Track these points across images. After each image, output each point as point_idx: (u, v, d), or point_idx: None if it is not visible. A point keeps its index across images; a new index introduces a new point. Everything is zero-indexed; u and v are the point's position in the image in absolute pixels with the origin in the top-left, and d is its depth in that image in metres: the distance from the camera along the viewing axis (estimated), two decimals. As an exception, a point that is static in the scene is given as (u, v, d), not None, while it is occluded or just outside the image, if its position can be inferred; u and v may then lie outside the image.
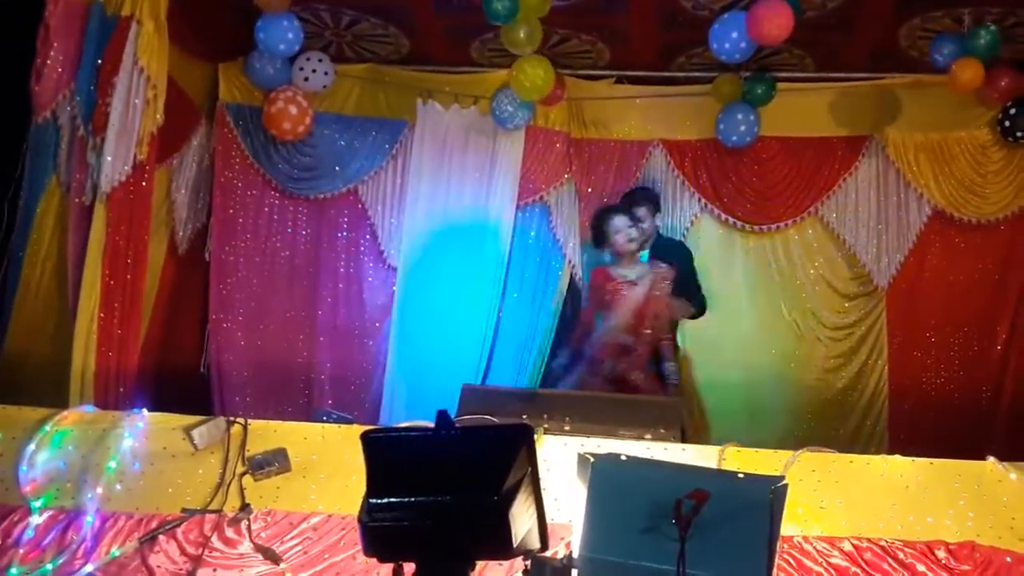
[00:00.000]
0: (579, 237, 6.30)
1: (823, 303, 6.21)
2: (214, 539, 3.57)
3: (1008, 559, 3.46)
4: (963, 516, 3.57)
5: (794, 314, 6.23)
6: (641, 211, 5.70)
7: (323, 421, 4.16)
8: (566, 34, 5.95)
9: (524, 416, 3.89)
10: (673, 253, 5.73)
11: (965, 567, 3.43)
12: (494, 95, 6.11)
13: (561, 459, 3.57)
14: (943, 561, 3.45)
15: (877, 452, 4.12)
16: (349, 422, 4.26)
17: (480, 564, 2.35)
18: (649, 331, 5.26)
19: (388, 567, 2.11)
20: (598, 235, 5.48)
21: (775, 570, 2.58)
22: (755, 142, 6.16)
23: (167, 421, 3.85)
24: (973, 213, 6.09)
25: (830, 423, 6.07)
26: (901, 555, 3.47)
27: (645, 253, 5.60)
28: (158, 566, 3.52)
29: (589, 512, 2.56)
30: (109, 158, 4.49)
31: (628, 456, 2.71)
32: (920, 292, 6.15)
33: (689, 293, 5.55)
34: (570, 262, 6.28)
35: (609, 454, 2.68)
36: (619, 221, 5.36)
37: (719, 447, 3.78)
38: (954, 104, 5.96)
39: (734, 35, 5.09)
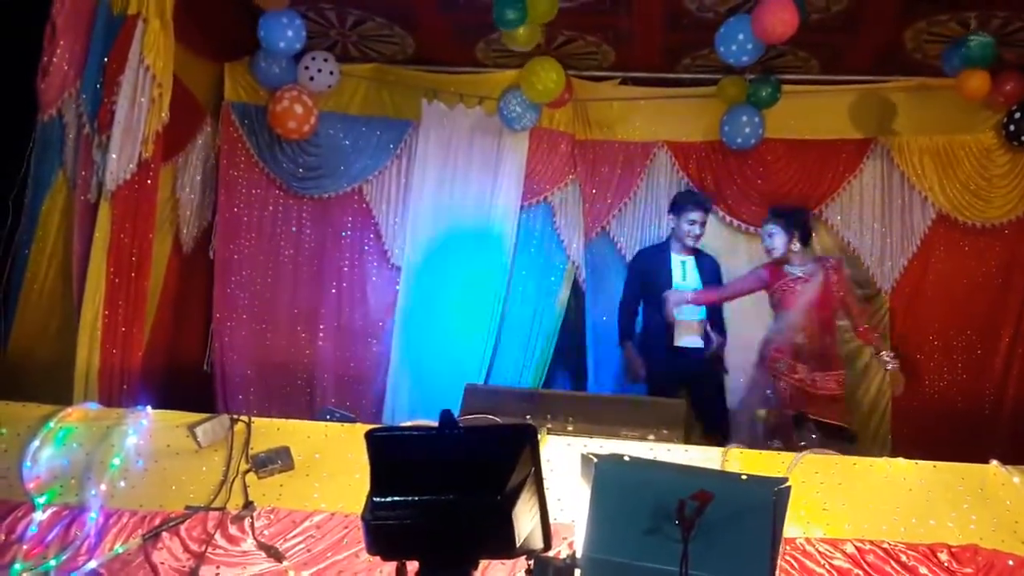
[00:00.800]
0: (583, 238, 6.31)
1: (827, 306, 6.19)
2: (217, 536, 3.58)
3: (1011, 563, 3.46)
4: (966, 519, 3.56)
5: (798, 317, 6.22)
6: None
7: (326, 419, 4.17)
8: (571, 35, 5.95)
9: (527, 416, 3.90)
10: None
11: (967, 570, 3.44)
12: (503, 96, 6.12)
13: (564, 459, 3.57)
14: (946, 564, 3.45)
15: (880, 455, 4.10)
16: (352, 421, 4.27)
17: (483, 563, 2.35)
18: (823, 330, 5.16)
19: (391, 566, 2.12)
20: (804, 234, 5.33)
21: (777, 572, 2.58)
22: (760, 144, 6.17)
23: (171, 419, 3.85)
24: (977, 217, 6.08)
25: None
26: (904, 558, 3.47)
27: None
28: (161, 563, 3.53)
29: (592, 512, 2.56)
30: (114, 156, 4.49)
31: (631, 457, 2.71)
32: (924, 295, 6.15)
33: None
34: (573, 262, 6.31)
35: (612, 455, 2.68)
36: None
37: (722, 448, 3.79)
38: (959, 108, 5.96)
39: (740, 37, 5.10)
